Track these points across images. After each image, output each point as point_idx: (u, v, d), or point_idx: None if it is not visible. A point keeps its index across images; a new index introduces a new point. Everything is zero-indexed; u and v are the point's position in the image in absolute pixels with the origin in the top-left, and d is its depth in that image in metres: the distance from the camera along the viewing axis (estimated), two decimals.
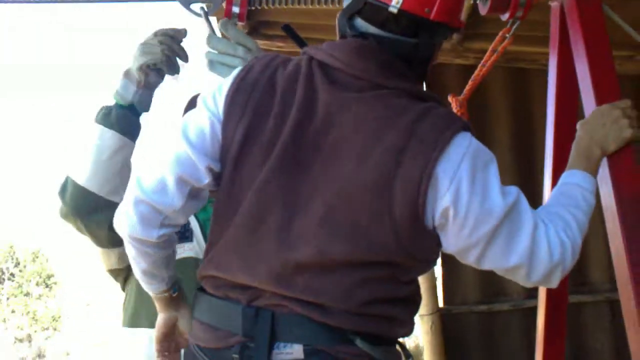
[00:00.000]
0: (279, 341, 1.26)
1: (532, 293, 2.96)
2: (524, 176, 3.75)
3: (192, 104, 1.76)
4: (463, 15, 1.40)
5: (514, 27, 1.81)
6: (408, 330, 1.34)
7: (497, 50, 1.88)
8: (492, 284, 3.91)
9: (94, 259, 1.93)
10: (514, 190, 1.31)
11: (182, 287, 1.54)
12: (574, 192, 1.44)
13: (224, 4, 1.82)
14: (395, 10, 1.32)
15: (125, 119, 1.76)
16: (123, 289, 1.97)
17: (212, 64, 1.74)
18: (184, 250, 1.80)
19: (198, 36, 1.84)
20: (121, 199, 1.72)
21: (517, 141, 3.96)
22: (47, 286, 30.13)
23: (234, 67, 1.67)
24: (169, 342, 1.56)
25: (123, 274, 1.94)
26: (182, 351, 1.58)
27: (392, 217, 1.24)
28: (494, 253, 1.30)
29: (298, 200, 1.27)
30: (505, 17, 1.78)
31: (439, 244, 1.31)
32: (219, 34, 1.78)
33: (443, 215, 1.26)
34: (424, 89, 1.55)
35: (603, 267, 3.82)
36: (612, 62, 1.72)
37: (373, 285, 1.26)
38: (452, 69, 3.79)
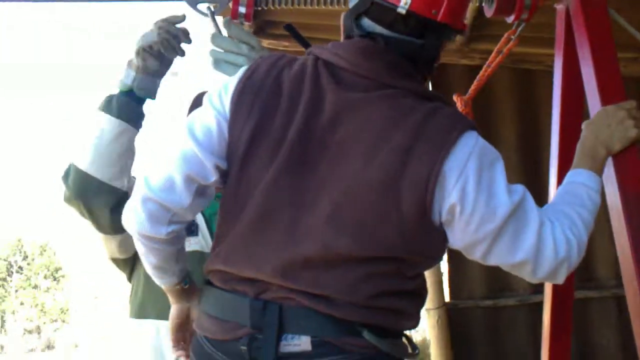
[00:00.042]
0: (287, 333, 1.27)
1: (538, 288, 2.97)
2: (530, 176, 3.74)
3: (197, 102, 1.77)
4: (468, 17, 1.42)
5: (519, 29, 1.82)
6: (414, 323, 1.35)
7: (502, 51, 1.89)
8: (498, 279, 3.92)
9: (101, 251, 1.95)
10: (520, 189, 1.33)
11: (193, 279, 1.56)
12: (579, 191, 1.45)
13: (230, 4, 1.84)
14: (403, 11, 1.33)
15: (125, 106, 1.77)
16: (129, 280, 1.99)
17: (217, 62, 1.76)
18: (190, 244, 1.81)
19: (198, 34, 1.85)
20: (122, 185, 1.76)
21: (523, 142, 3.96)
22: (54, 279, 30.25)
23: (239, 65, 1.70)
24: (183, 331, 1.59)
25: (128, 265, 1.96)
26: None
27: (399, 215, 1.25)
28: (500, 249, 1.31)
29: (305, 199, 1.29)
30: (510, 19, 1.80)
31: (445, 240, 1.33)
32: (225, 34, 1.80)
33: (450, 212, 1.28)
34: (430, 88, 1.57)
35: (609, 264, 3.82)
36: (617, 64, 1.72)
37: (378, 280, 1.27)
38: (457, 70, 3.80)
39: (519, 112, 4.00)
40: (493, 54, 1.94)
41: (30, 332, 27.82)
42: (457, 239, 1.32)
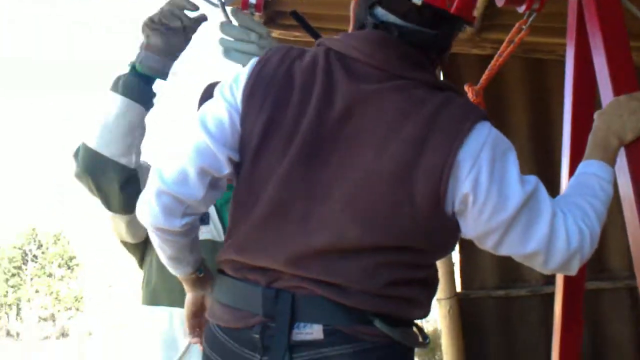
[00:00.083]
0: (299, 321, 1.27)
1: (550, 279, 2.96)
2: (542, 166, 3.74)
3: (207, 94, 1.78)
4: (479, 7, 1.42)
5: (531, 19, 1.81)
6: (425, 312, 1.35)
7: (513, 41, 1.88)
8: (510, 270, 3.92)
9: (111, 234, 1.96)
10: (533, 179, 1.32)
11: (208, 267, 1.58)
12: (591, 182, 1.44)
13: None
14: (419, 2, 1.33)
15: (131, 84, 1.78)
16: (140, 267, 2.00)
17: (227, 51, 1.78)
18: (201, 233, 1.80)
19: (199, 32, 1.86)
20: (129, 162, 1.78)
21: (535, 131, 3.95)
22: (69, 267, 30.54)
23: (249, 53, 1.72)
24: (198, 319, 1.61)
25: (139, 250, 1.98)
26: None
27: (413, 206, 1.25)
28: (511, 239, 1.31)
29: (318, 190, 1.29)
30: (521, 9, 1.79)
31: (457, 230, 1.33)
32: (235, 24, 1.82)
33: (463, 201, 1.28)
34: (441, 78, 1.57)
35: (622, 255, 3.81)
36: (629, 53, 1.71)
37: (391, 269, 1.28)
38: (469, 59, 3.77)
39: (531, 102, 3.99)
40: (504, 44, 1.93)
41: (45, 319, 28.13)
42: (469, 228, 1.32)
